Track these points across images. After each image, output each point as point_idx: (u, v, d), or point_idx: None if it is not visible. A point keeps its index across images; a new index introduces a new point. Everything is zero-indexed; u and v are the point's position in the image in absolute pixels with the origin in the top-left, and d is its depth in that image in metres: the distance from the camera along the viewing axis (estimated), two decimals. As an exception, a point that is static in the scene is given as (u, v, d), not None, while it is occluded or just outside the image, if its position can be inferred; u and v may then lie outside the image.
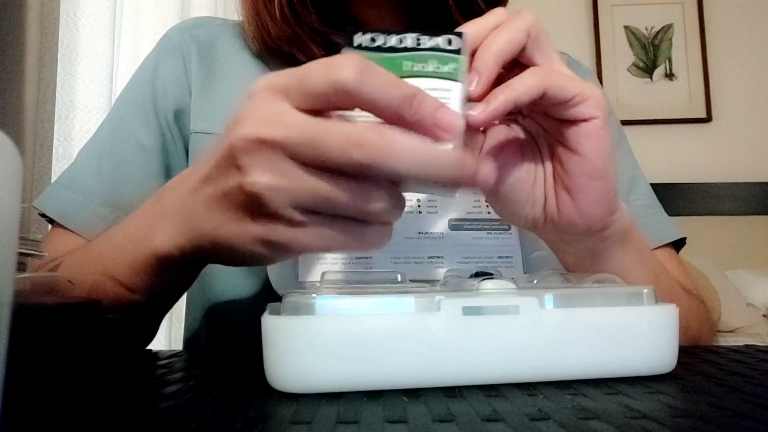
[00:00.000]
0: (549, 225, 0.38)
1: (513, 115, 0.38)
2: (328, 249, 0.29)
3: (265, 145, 0.27)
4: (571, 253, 0.41)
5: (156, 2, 1.29)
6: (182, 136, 0.57)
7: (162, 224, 0.35)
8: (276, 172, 0.27)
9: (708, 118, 2.32)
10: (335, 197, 0.27)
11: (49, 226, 0.55)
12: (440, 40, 0.32)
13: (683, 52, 2.40)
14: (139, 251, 0.36)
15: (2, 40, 0.98)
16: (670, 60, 2.41)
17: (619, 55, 2.42)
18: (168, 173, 0.56)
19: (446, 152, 0.27)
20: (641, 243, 0.44)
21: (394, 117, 0.27)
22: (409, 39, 0.31)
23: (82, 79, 1.14)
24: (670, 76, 2.40)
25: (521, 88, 0.32)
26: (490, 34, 0.34)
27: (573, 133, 0.35)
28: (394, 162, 0.26)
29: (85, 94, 1.14)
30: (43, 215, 0.54)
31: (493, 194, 0.38)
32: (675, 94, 2.36)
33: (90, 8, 1.15)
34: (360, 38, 0.31)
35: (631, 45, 2.44)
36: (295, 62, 0.56)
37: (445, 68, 0.32)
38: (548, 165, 0.37)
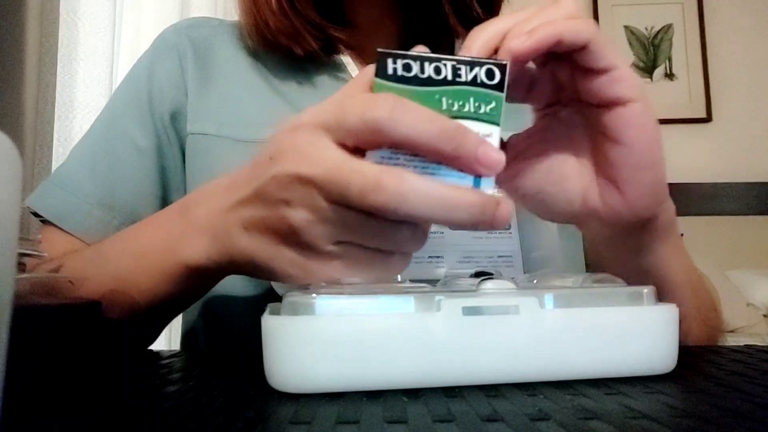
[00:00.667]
0: (592, 218, 0.37)
1: (551, 107, 0.36)
2: (354, 275, 0.31)
3: (301, 181, 0.29)
4: (612, 247, 0.40)
5: (156, 2, 1.29)
6: (178, 138, 0.57)
7: (194, 237, 0.36)
8: (313, 207, 0.29)
9: (708, 118, 2.32)
10: (362, 234, 0.30)
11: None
12: (482, 72, 0.30)
13: (683, 52, 2.40)
14: (167, 261, 0.37)
15: (2, 40, 0.98)
16: (670, 60, 2.41)
17: (619, 55, 2.42)
18: (163, 174, 0.56)
19: (465, 197, 0.28)
20: (678, 235, 0.42)
21: (433, 153, 0.29)
22: (448, 68, 0.30)
23: (82, 79, 1.14)
24: (670, 76, 2.40)
25: (564, 26, 0.30)
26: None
27: (612, 121, 0.33)
28: (409, 206, 0.27)
29: (85, 94, 1.14)
30: (35, 214, 0.53)
31: (525, 194, 0.37)
32: (675, 94, 2.36)
33: (90, 8, 1.15)
34: (393, 65, 0.29)
35: (631, 45, 2.44)
36: (291, 56, 0.56)
37: (485, 109, 0.30)
38: (589, 157, 0.36)
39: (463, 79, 0.30)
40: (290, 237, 0.31)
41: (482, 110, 0.30)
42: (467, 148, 0.28)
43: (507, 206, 0.29)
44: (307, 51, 0.55)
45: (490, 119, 0.30)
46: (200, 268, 0.36)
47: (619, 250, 0.40)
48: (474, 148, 0.28)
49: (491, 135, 0.30)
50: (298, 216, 0.30)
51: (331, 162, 0.28)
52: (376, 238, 0.30)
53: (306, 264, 0.31)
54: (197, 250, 0.35)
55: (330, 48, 0.57)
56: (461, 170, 0.29)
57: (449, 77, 0.30)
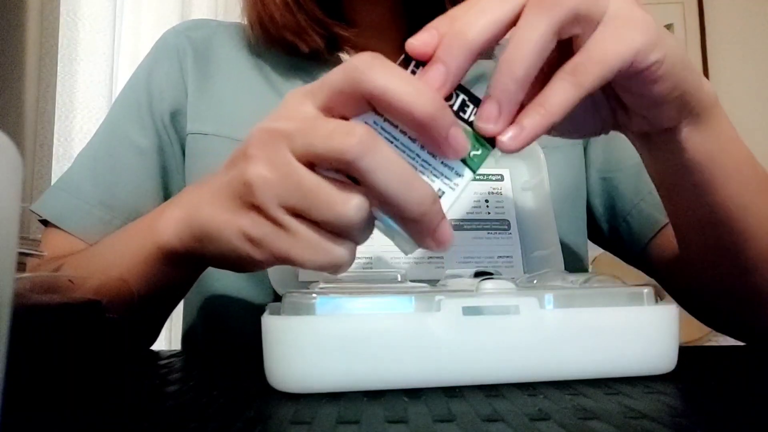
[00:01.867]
0: (625, 131, 0.37)
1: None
2: (300, 258, 0.28)
3: (271, 134, 0.28)
4: (655, 154, 0.39)
5: (156, 2, 1.29)
6: (179, 138, 0.57)
7: (169, 213, 0.35)
8: (274, 164, 0.28)
9: (708, 118, 2.32)
10: (318, 197, 0.27)
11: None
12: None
13: (683, 52, 2.40)
14: (147, 242, 0.37)
15: (2, 40, 0.98)
16: (670, 60, 2.41)
17: (619, 55, 2.42)
18: (165, 174, 0.56)
19: (425, 186, 0.27)
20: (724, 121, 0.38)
21: (406, 114, 0.27)
22: (458, 100, 0.29)
23: (82, 79, 1.14)
24: (670, 76, 2.40)
25: (557, 105, 0.29)
26: (512, 36, 0.29)
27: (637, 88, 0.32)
28: (372, 161, 0.26)
29: (85, 94, 1.14)
30: (40, 220, 0.54)
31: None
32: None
33: (90, 8, 1.15)
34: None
35: (631, 45, 2.44)
36: (293, 54, 0.56)
37: (471, 152, 0.29)
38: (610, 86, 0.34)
39: (465, 116, 0.29)
40: (244, 200, 0.29)
41: (469, 152, 0.29)
42: (441, 122, 0.27)
43: (447, 229, 0.28)
44: (312, 47, 0.55)
45: (470, 164, 0.29)
46: (172, 250, 0.35)
47: (660, 152, 0.38)
48: (447, 125, 0.27)
49: (459, 182, 0.29)
50: (256, 171, 0.28)
51: (308, 116, 0.28)
52: (329, 209, 0.27)
53: (256, 235, 0.29)
54: (170, 225, 0.35)
55: (334, 46, 0.57)
56: (433, 155, 0.29)
57: (455, 108, 0.29)
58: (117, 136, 0.56)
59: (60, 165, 1.11)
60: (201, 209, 0.32)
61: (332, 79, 0.28)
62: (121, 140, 0.56)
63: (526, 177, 0.50)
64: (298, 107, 0.29)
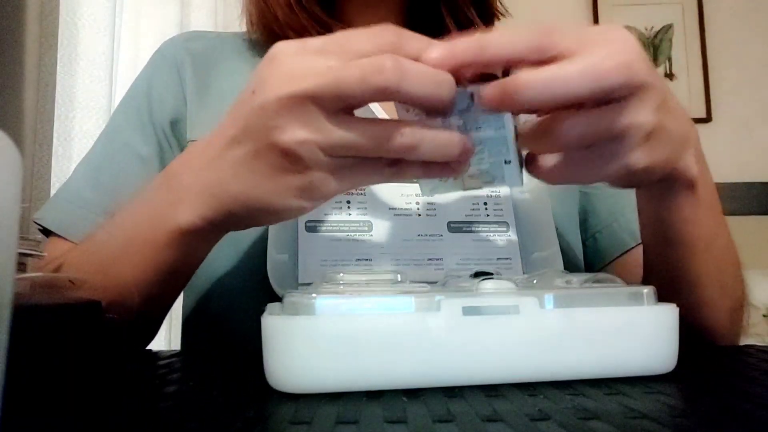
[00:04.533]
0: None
1: None
2: (361, 185, 0.33)
3: (296, 100, 0.29)
4: (643, 206, 0.41)
5: (156, 2, 1.29)
6: (179, 145, 0.57)
7: (183, 200, 0.35)
8: (309, 127, 0.29)
9: (708, 118, 2.32)
10: (362, 143, 0.29)
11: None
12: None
13: (683, 52, 2.40)
14: (158, 231, 0.37)
15: (2, 40, 0.98)
16: (670, 60, 2.41)
17: (619, 55, 2.42)
18: None
19: (447, 75, 0.29)
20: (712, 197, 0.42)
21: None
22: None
23: (82, 79, 1.14)
24: (670, 76, 2.40)
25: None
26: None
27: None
28: (408, 83, 0.28)
29: (85, 94, 1.14)
30: (43, 230, 0.54)
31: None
32: (675, 94, 2.36)
33: (90, 8, 1.15)
34: None
35: (631, 45, 2.44)
36: None
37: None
38: None
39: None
40: (289, 165, 0.30)
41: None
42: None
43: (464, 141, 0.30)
44: None
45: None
46: (194, 230, 0.35)
47: (646, 205, 0.41)
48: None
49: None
50: (295, 138, 0.29)
51: (322, 69, 0.28)
52: (377, 147, 0.30)
53: (311, 187, 0.31)
54: (188, 212, 0.35)
55: None
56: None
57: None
58: (118, 143, 0.56)
59: (60, 165, 1.11)
60: (228, 186, 0.33)
61: (346, 76, 0.28)
62: (121, 148, 0.56)
63: (525, 179, 0.50)
64: (294, 63, 0.29)
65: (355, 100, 0.29)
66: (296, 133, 0.29)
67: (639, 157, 0.32)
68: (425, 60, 0.29)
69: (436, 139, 0.30)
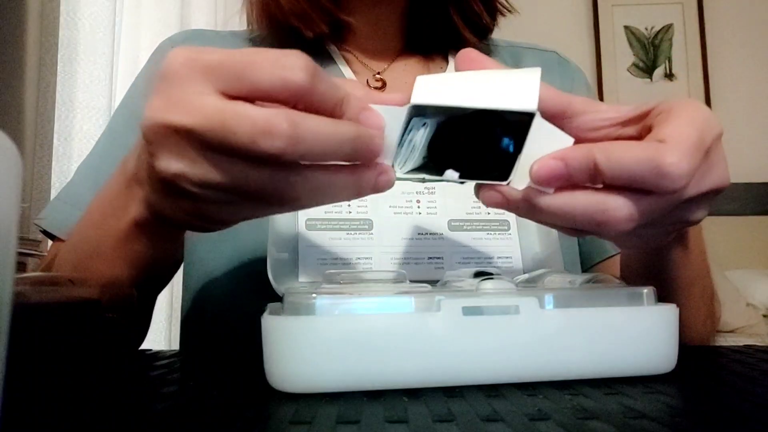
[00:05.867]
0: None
1: None
2: (259, 215, 0.29)
3: (173, 131, 0.26)
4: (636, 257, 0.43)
5: (156, 2, 1.29)
6: None
7: (133, 189, 0.35)
8: (185, 159, 0.26)
9: (708, 118, 2.32)
10: (247, 184, 0.26)
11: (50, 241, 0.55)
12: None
13: (683, 52, 2.40)
14: (122, 222, 0.36)
15: (2, 40, 0.98)
16: (670, 60, 2.41)
17: (619, 55, 2.42)
18: None
19: (344, 126, 0.26)
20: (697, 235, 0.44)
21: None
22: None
23: (82, 79, 1.14)
24: (670, 76, 2.40)
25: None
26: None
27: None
28: (303, 148, 0.25)
29: (85, 93, 1.14)
30: (44, 232, 0.54)
31: None
32: (675, 94, 2.36)
33: (90, 8, 1.15)
34: None
35: (631, 45, 2.44)
36: (297, 43, 0.56)
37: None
38: None
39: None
40: (172, 188, 0.28)
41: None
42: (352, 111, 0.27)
43: (378, 138, 0.27)
44: (317, 34, 0.56)
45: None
46: (146, 224, 0.34)
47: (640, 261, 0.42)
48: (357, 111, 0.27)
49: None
50: (169, 168, 0.27)
51: (211, 109, 0.25)
52: (265, 190, 0.26)
53: (203, 213, 0.29)
54: (137, 205, 0.34)
55: (339, 31, 0.58)
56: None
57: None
58: (118, 145, 0.56)
59: (60, 165, 1.11)
60: (149, 195, 0.32)
61: (234, 127, 0.25)
62: (122, 150, 0.55)
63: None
64: (188, 89, 0.26)
65: (242, 154, 0.25)
66: (171, 164, 0.26)
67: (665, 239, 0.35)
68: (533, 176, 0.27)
69: (331, 179, 0.27)
